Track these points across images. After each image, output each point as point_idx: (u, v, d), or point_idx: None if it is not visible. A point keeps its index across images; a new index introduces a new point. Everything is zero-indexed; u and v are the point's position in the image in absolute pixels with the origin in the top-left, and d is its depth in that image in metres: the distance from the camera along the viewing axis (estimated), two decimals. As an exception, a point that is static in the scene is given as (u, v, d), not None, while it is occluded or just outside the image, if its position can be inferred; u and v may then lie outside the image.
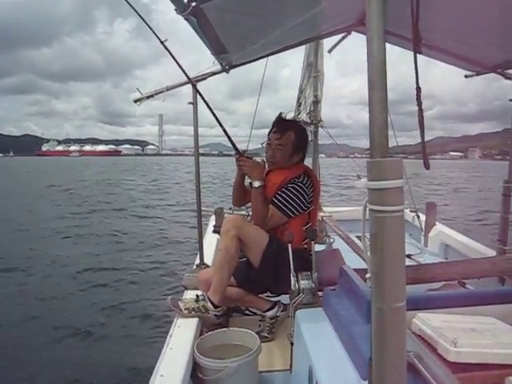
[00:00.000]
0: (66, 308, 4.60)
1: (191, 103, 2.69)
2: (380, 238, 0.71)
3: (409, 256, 3.42)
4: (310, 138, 3.46)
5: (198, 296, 2.25)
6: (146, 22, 1.95)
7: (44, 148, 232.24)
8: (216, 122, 2.42)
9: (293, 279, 1.91)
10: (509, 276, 2.50)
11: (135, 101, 2.70)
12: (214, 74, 2.64)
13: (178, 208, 13.31)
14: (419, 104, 1.09)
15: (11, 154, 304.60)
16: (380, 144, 0.73)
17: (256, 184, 2.29)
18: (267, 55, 2.74)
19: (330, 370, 1.26)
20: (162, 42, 2.04)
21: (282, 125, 2.45)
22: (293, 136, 2.39)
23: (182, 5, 1.40)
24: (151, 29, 2.00)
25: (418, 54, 1.49)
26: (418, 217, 4.07)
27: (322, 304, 1.69)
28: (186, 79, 2.51)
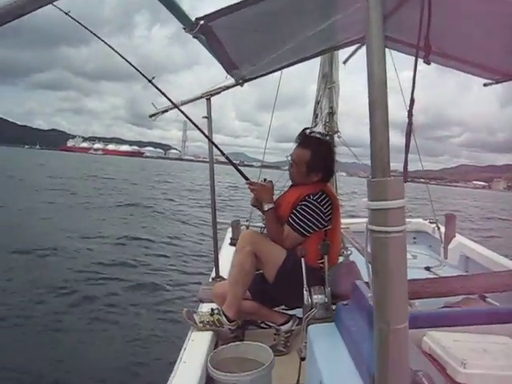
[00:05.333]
0: (74, 313, 4.53)
1: (206, 117, 2.73)
2: (381, 259, 0.70)
3: (428, 268, 3.34)
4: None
5: (212, 310, 2.26)
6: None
7: (69, 144, 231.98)
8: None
9: (306, 294, 1.89)
10: (532, 290, 2.42)
11: (150, 116, 2.74)
12: (227, 87, 2.67)
13: (196, 220, 13.12)
14: (410, 116, 1.08)
15: (37, 146, 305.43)
16: (381, 163, 0.71)
17: (265, 207, 2.30)
18: (281, 68, 2.75)
19: None
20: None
21: (300, 141, 2.39)
22: (308, 155, 2.30)
23: (190, 24, 1.42)
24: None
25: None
26: (439, 228, 3.95)
27: (334, 319, 1.66)
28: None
